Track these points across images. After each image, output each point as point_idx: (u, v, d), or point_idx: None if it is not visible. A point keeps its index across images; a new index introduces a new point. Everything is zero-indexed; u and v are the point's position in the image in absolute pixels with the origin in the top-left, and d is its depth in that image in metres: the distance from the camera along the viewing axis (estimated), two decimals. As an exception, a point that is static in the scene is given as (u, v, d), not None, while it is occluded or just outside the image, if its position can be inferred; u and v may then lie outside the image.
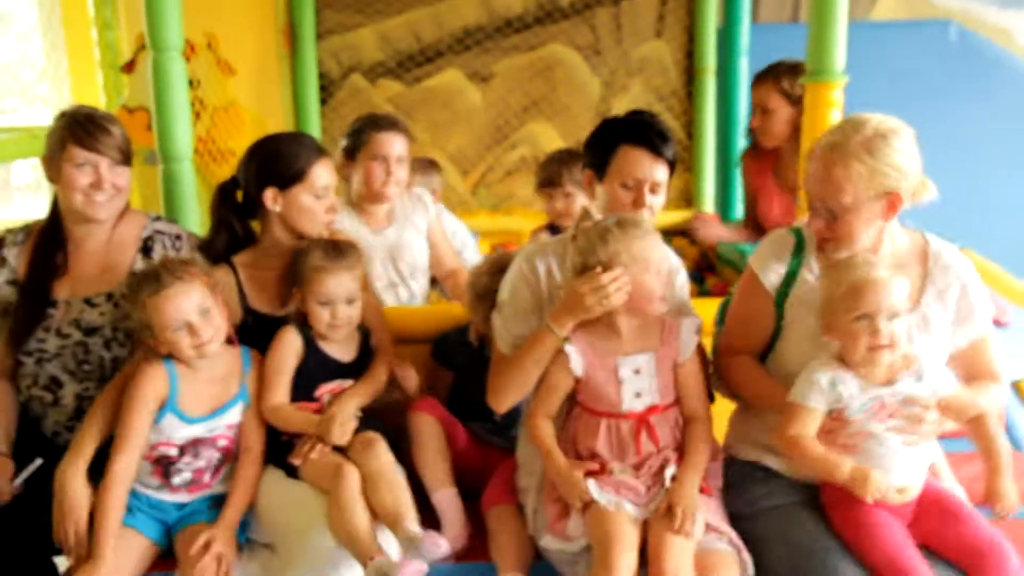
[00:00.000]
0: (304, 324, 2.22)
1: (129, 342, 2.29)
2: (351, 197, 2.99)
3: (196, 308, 2.08)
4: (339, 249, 2.23)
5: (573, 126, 4.56)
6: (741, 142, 3.89)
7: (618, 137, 2.16)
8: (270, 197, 2.29)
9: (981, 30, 4.60)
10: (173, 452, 2.10)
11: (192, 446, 2.12)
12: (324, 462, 2.09)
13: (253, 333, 2.26)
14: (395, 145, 2.94)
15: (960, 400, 1.95)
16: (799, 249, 2.07)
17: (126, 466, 2.05)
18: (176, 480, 2.12)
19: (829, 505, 1.94)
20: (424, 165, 3.73)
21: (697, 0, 4.44)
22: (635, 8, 4.52)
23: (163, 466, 2.11)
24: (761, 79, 3.27)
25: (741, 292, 2.13)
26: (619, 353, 2.03)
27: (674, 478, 1.95)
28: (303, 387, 2.21)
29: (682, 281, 2.24)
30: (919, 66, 4.27)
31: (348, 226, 2.85)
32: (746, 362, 2.11)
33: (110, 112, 2.37)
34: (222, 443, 2.15)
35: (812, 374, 1.91)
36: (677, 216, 4.50)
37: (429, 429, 2.31)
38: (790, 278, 2.06)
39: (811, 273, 2.04)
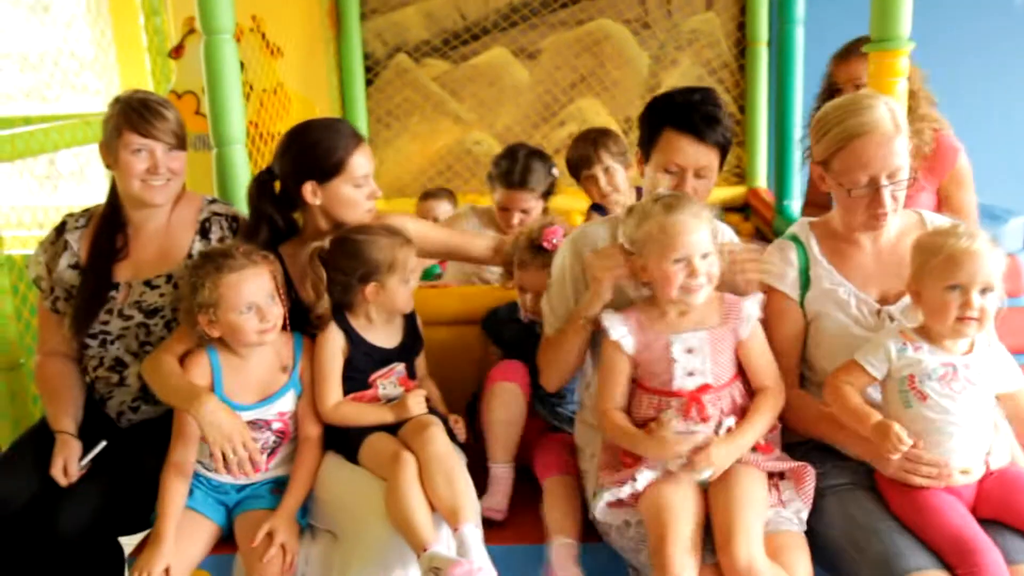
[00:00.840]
0: (342, 316, 2.20)
1: (176, 322, 2.28)
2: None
3: (266, 293, 2.09)
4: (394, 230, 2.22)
5: (622, 101, 4.48)
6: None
7: (662, 120, 2.13)
8: (309, 191, 2.26)
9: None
10: None
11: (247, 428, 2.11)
12: (382, 448, 2.08)
13: (302, 323, 2.25)
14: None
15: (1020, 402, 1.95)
16: (802, 251, 2.08)
17: (183, 455, 2.09)
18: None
19: (885, 488, 1.91)
20: (436, 193, 3.94)
21: (749, -31, 4.32)
22: (685, -22, 4.41)
23: None
24: (851, 54, 3.08)
25: (771, 318, 2.06)
26: (672, 331, 1.98)
27: (730, 430, 1.93)
28: (354, 380, 2.21)
29: None
30: (984, 34, 4.10)
31: None
32: (802, 397, 2.07)
33: (163, 96, 2.36)
34: (277, 426, 2.16)
35: (883, 339, 1.91)
36: (731, 192, 4.43)
37: (510, 398, 2.27)
38: (804, 281, 2.06)
39: (823, 269, 2.04)
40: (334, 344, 2.18)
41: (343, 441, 2.17)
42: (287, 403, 2.17)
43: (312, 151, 2.26)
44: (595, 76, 4.54)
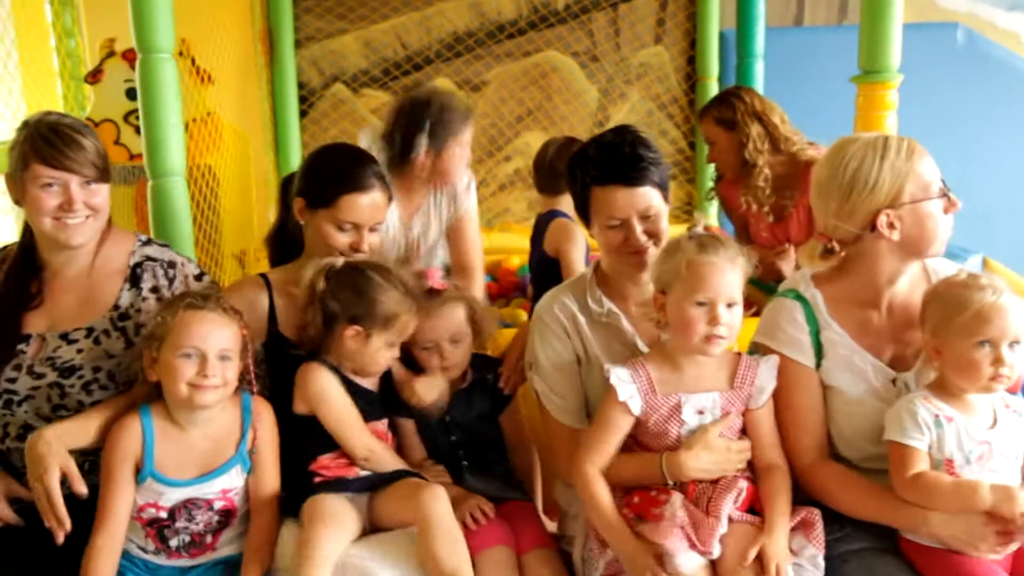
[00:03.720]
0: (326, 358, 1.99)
1: (112, 385, 2.01)
2: None
3: (219, 347, 1.85)
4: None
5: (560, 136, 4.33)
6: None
7: (585, 181, 1.95)
8: (298, 208, 2.12)
9: (987, 33, 4.50)
10: (163, 515, 1.87)
11: (184, 508, 1.87)
12: (323, 508, 1.86)
13: (275, 362, 2.05)
14: None
15: None
16: (809, 311, 1.89)
17: (109, 540, 1.83)
18: (173, 543, 1.89)
19: (916, 553, 1.77)
20: None
21: (699, 4, 4.26)
22: (634, 12, 4.35)
23: (156, 529, 1.87)
24: (700, 116, 3.22)
25: (788, 391, 1.89)
26: (684, 390, 1.83)
27: (755, 513, 1.79)
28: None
29: None
30: (926, 69, 4.11)
31: None
32: (841, 471, 1.88)
33: (80, 120, 2.05)
34: (220, 504, 1.90)
35: (914, 407, 1.76)
36: (680, 230, 4.29)
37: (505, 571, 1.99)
38: (817, 346, 1.88)
39: (835, 333, 1.88)
40: (333, 382, 1.96)
41: (298, 505, 1.92)
42: (232, 479, 1.91)
43: (319, 170, 2.13)
44: (542, 109, 4.42)
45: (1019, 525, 1.68)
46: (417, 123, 2.68)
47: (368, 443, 1.96)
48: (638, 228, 1.92)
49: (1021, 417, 1.80)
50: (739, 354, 1.89)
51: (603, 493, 1.82)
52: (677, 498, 1.77)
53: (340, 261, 2.01)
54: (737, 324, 1.82)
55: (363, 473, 1.97)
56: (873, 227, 1.83)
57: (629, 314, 2.01)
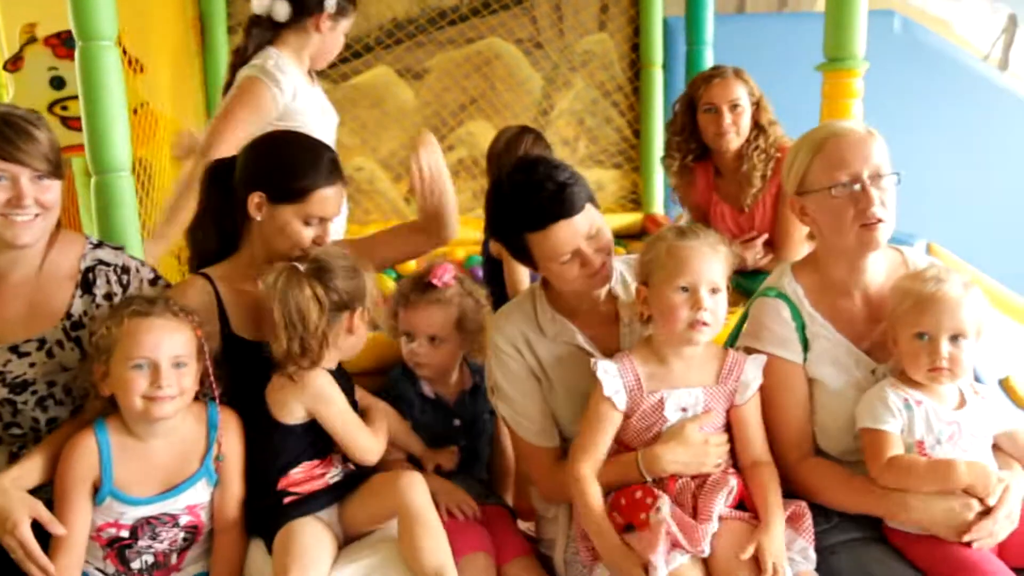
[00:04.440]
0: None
1: (69, 399, 1.89)
2: (299, 53, 2.82)
3: (172, 354, 1.73)
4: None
5: (515, 124, 4.26)
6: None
7: (519, 229, 1.85)
8: (255, 203, 1.97)
9: (920, 20, 4.59)
10: (124, 534, 1.77)
11: (146, 525, 1.77)
12: (302, 542, 1.78)
13: (234, 363, 1.92)
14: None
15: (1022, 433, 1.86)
16: (793, 309, 1.89)
17: (67, 564, 1.71)
18: (136, 564, 1.79)
19: (903, 541, 1.78)
20: None
21: (642, -10, 4.22)
22: (577, -2, 4.27)
23: (116, 550, 1.77)
24: (725, 75, 2.98)
25: (776, 390, 1.87)
26: (667, 386, 1.80)
27: (743, 509, 1.77)
28: (322, 441, 1.87)
29: None
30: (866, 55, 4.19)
31: (295, 75, 2.75)
32: (824, 467, 1.88)
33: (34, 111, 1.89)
34: (186, 520, 1.80)
35: (884, 393, 1.78)
36: (627, 219, 4.29)
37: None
38: (803, 341, 1.88)
39: (819, 326, 1.87)
40: (332, 381, 1.85)
41: (267, 527, 1.83)
42: (198, 494, 1.81)
43: (281, 163, 1.98)
44: (485, 98, 4.32)
45: (995, 506, 1.69)
46: None
47: (378, 442, 1.90)
48: (590, 251, 1.83)
49: (986, 400, 1.82)
50: (726, 349, 1.87)
51: (596, 497, 1.78)
52: (665, 503, 1.72)
53: (301, 264, 1.88)
54: (722, 312, 1.78)
55: (333, 480, 1.88)
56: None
57: (584, 329, 1.94)
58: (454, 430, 2.13)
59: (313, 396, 1.83)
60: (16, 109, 1.84)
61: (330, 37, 2.82)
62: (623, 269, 1.99)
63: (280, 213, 1.97)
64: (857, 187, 1.78)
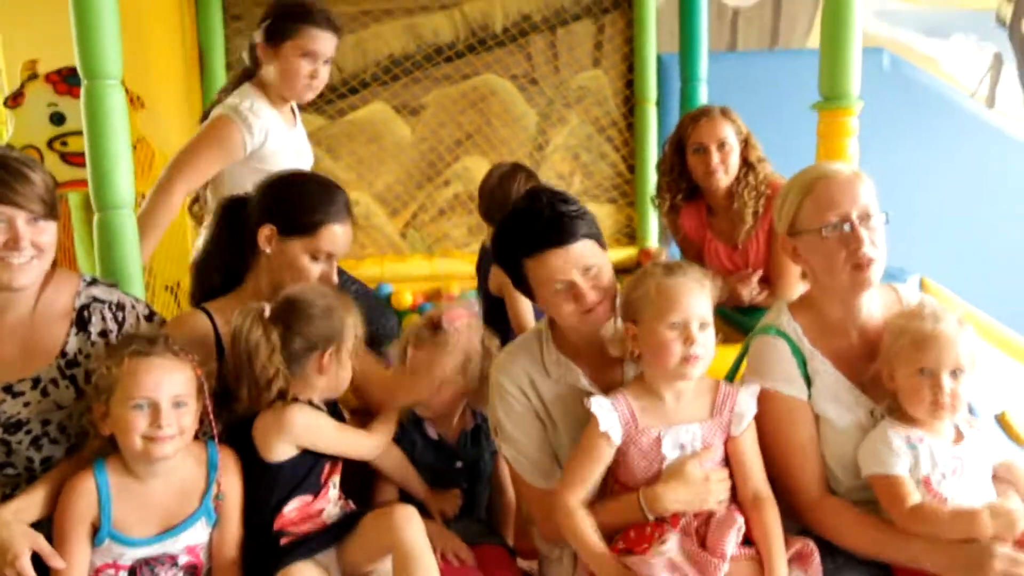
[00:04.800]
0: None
1: (64, 437, 1.87)
2: (270, 90, 2.73)
3: (172, 394, 1.73)
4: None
5: (510, 160, 4.28)
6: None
7: (517, 255, 1.88)
8: (265, 235, 2.01)
9: (908, 57, 4.65)
10: (123, 575, 1.75)
11: (145, 566, 1.75)
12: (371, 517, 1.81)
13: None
14: (327, 43, 2.69)
15: (1019, 464, 1.88)
16: (793, 346, 1.90)
17: None
18: None
19: None
20: None
21: (636, 28, 4.27)
22: (572, 36, 4.32)
23: None
24: (712, 115, 3.00)
25: (783, 426, 1.88)
26: (664, 423, 1.81)
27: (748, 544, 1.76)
28: (308, 480, 1.86)
29: None
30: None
31: (269, 118, 2.66)
32: (844, 508, 1.85)
33: (24, 153, 1.91)
34: (185, 560, 1.78)
35: (886, 435, 1.79)
36: (622, 253, 4.31)
37: None
38: (806, 377, 1.88)
39: (819, 363, 1.88)
40: (314, 412, 1.86)
41: (265, 568, 1.80)
42: (198, 534, 1.80)
43: (293, 198, 2.03)
44: (481, 133, 4.34)
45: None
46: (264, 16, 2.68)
47: (374, 440, 1.96)
48: (585, 286, 1.83)
49: (982, 432, 1.84)
50: (717, 381, 1.88)
51: (585, 523, 1.78)
52: (673, 537, 1.73)
53: (264, 306, 1.88)
54: (711, 346, 1.80)
55: (330, 519, 1.87)
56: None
57: (588, 371, 1.94)
58: (455, 472, 2.12)
59: (297, 434, 1.83)
60: (11, 151, 1.86)
61: (277, 64, 2.67)
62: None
63: (289, 246, 1.99)
64: (847, 227, 1.80)
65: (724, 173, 2.92)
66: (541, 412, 1.94)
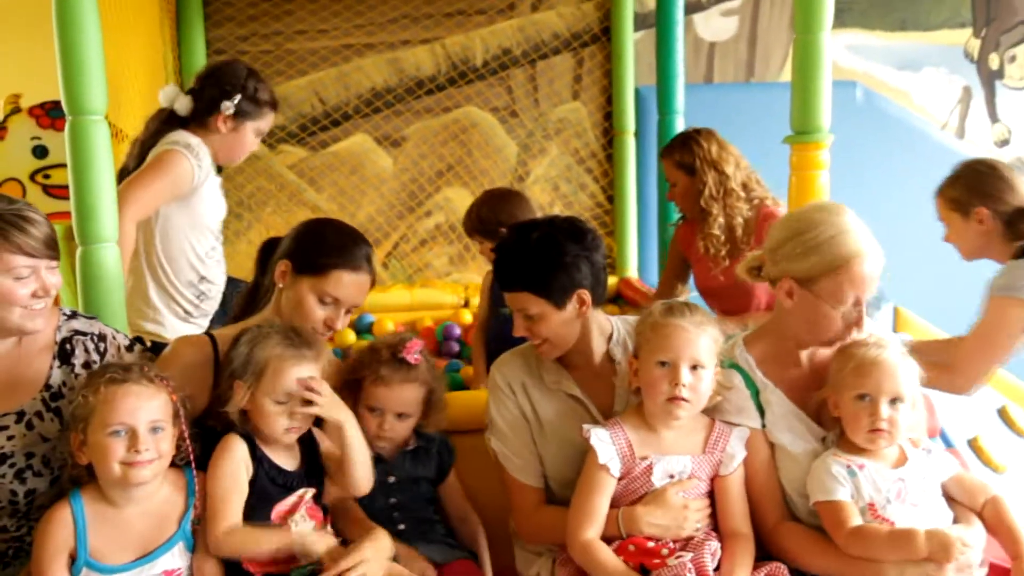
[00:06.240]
0: (246, 428, 1.88)
1: (48, 470, 1.88)
2: (203, 134, 2.79)
3: (149, 419, 1.74)
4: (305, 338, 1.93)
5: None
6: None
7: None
8: (280, 270, 2.04)
9: (881, 91, 4.75)
10: None
11: None
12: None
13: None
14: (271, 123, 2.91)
15: (972, 481, 1.91)
16: (746, 377, 1.96)
17: None
18: None
19: None
20: None
21: (614, 61, 4.34)
22: (552, 69, 4.40)
23: None
24: (663, 156, 3.22)
25: (747, 459, 1.92)
26: (658, 451, 1.86)
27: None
28: (255, 510, 1.84)
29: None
30: (831, 124, 4.34)
31: (208, 163, 2.74)
32: (801, 531, 1.90)
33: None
34: None
35: (827, 464, 1.84)
36: (602, 281, 4.34)
37: None
38: (759, 407, 1.94)
39: (771, 394, 1.93)
40: (240, 455, 1.84)
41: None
42: (175, 559, 1.79)
43: (313, 238, 2.07)
44: (462, 164, 4.40)
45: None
46: (233, 87, 2.77)
47: (231, 525, 1.79)
48: (524, 328, 1.97)
49: (931, 455, 1.88)
50: (713, 420, 1.91)
51: (604, 553, 1.81)
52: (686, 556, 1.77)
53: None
54: (704, 389, 1.84)
55: (308, 566, 1.80)
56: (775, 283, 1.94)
57: (580, 382, 2.03)
58: (388, 486, 2.08)
59: (213, 458, 1.85)
60: (19, 202, 1.87)
61: (233, 137, 2.79)
62: (625, 330, 2.06)
63: (299, 284, 2.01)
64: (858, 308, 1.86)
65: (677, 208, 3.19)
66: (529, 414, 2.02)
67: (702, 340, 1.83)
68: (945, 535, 1.72)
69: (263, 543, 1.78)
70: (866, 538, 1.76)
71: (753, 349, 1.99)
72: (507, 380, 2.05)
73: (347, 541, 1.88)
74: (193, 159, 2.67)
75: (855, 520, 1.78)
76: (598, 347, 2.04)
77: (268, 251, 2.17)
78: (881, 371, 1.80)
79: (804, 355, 1.96)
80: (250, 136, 2.83)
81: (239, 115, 2.77)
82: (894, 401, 1.80)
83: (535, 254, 1.93)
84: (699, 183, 3.04)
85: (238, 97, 2.75)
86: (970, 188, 2.66)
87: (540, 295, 1.93)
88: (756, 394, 1.94)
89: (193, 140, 2.72)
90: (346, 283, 2.01)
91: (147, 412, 1.73)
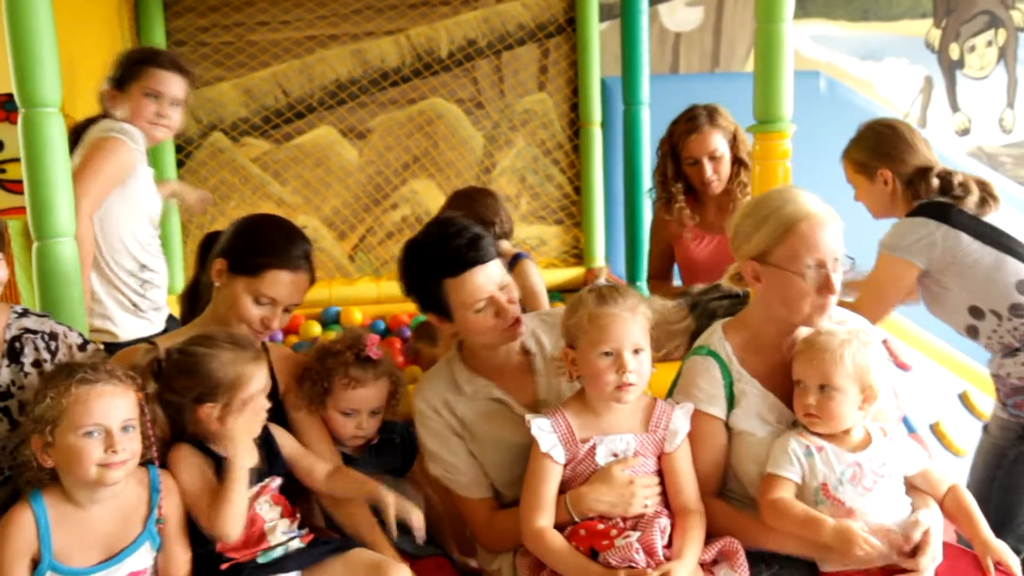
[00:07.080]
0: (194, 436, 1.87)
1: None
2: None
3: (121, 418, 1.72)
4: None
5: (457, 183, 4.29)
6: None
7: (436, 278, 1.95)
8: (216, 268, 2.01)
9: (845, 81, 4.79)
10: None
11: None
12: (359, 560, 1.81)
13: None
14: (173, 85, 2.74)
15: (937, 474, 1.94)
16: (723, 367, 1.96)
17: None
18: None
19: None
20: None
21: (580, 52, 4.33)
22: (517, 60, 4.37)
23: None
24: (701, 129, 3.13)
25: (695, 440, 1.94)
26: (598, 433, 1.88)
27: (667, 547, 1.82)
28: None
29: None
30: (793, 115, 4.37)
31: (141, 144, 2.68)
32: (717, 506, 1.94)
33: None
34: None
35: (786, 442, 1.87)
36: (569, 273, 4.36)
37: None
38: (730, 397, 1.96)
39: (747, 384, 1.95)
40: (199, 467, 1.83)
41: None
42: (141, 559, 1.77)
43: (249, 236, 2.03)
44: (428, 156, 4.36)
45: (920, 551, 1.77)
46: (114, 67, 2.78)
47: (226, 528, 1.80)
48: (503, 300, 1.95)
49: (894, 442, 1.91)
50: (654, 399, 1.94)
51: (556, 540, 1.82)
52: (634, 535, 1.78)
53: (161, 351, 1.90)
54: (646, 370, 1.87)
55: (277, 548, 1.84)
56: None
57: (500, 383, 2.05)
58: None
59: (175, 476, 1.83)
60: None
61: (127, 106, 2.73)
62: (534, 325, 2.09)
63: (234, 284, 1.99)
64: (822, 272, 1.86)
65: (719, 180, 3.14)
66: (459, 429, 2.03)
67: (638, 323, 1.85)
68: (851, 531, 1.75)
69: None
70: (781, 510, 1.81)
71: (732, 337, 2.00)
72: (429, 403, 2.05)
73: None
74: (130, 141, 2.63)
75: (785, 494, 1.82)
76: (510, 344, 2.05)
77: (208, 246, 2.14)
78: (815, 357, 1.84)
79: (785, 342, 1.96)
80: (139, 97, 2.72)
81: (119, 84, 2.74)
82: (823, 387, 1.84)
83: (474, 225, 2.01)
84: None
85: (112, 71, 2.75)
86: (872, 150, 2.74)
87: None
88: (730, 384, 1.95)
89: (123, 124, 2.67)
90: (282, 283, 1.98)
91: (120, 411, 1.71)
